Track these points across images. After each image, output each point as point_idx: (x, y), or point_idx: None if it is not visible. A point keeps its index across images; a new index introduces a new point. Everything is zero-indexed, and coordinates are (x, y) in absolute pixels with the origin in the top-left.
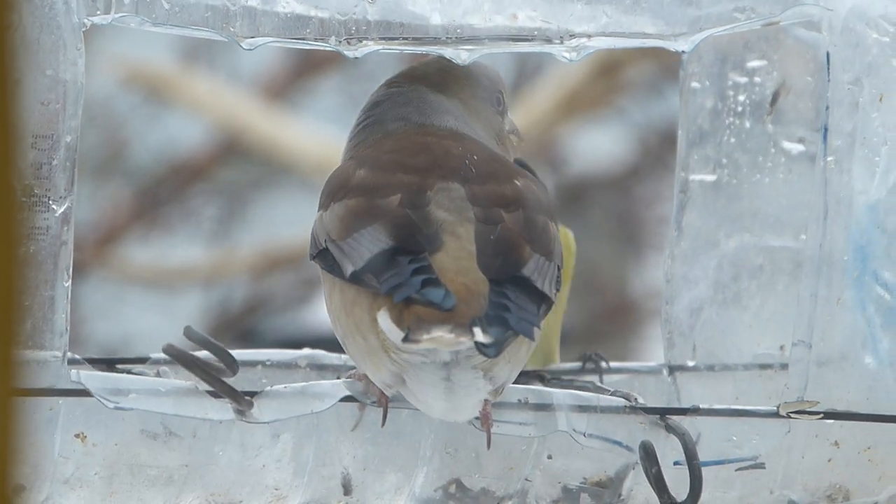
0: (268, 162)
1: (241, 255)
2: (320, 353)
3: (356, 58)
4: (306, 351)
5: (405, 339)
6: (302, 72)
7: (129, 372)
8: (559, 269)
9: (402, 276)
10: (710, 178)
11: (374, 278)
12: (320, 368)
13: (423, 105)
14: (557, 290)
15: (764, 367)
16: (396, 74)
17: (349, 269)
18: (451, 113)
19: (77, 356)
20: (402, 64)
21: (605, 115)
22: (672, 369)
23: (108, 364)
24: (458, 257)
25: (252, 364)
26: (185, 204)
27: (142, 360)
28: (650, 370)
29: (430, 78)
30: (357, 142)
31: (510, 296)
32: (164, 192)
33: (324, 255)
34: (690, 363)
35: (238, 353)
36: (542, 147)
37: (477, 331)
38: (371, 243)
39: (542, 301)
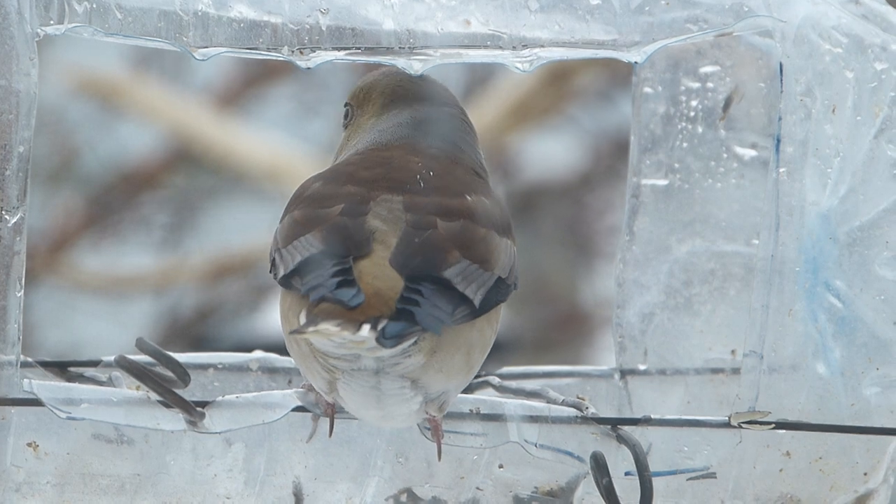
0: (219, 169)
1: (192, 263)
2: (272, 357)
3: (308, 69)
4: (258, 354)
5: (293, 331)
6: (253, 79)
7: (80, 375)
8: (505, 281)
9: (321, 278)
10: (663, 182)
11: (300, 281)
12: (272, 371)
13: (425, 126)
14: (501, 300)
15: (715, 371)
16: (397, 87)
17: (281, 272)
18: (448, 135)
19: (30, 359)
20: (354, 73)
21: (555, 123)
22: (623, 373)
23: (61, 367)
24: (380, 264)
25: (204, 367)
26: (136, 211)
27: (94, 363)
28: (601, 374)
29: (433, 98)
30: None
31: (423, 293)
32: (115, 200)
33: (273, 265)
34: (642, 367)
35: (190, 357)
36: (492, 154)
37: (365, 327)
38: (304, 249)
39: (462, 303)
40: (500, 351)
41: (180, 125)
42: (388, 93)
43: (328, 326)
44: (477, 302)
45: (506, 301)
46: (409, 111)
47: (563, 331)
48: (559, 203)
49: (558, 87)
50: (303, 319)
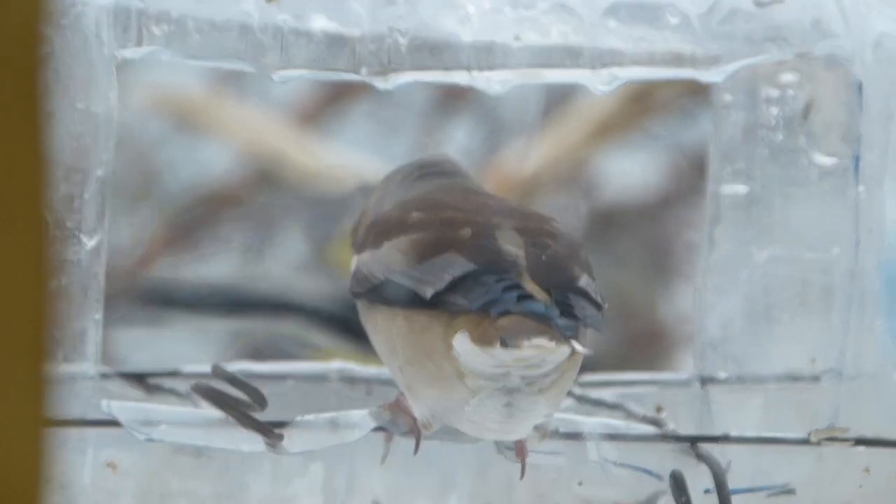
0: (298, 188)
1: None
2: (351, 366)
3: (388, 90)
4: (336, 363)
5: (503, 345)
6: (333, 98)
7: (159, 387)
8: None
9: (493, 294)
10: (743, 190)
11: (461, 297)
12: (351, 381)
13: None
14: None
15: (795, 379)
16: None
17: (429, 291)
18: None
19: (109, 369)
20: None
21: (635, 140)
22: (703, 381)
23: (139, 378)
24: (528, 281)
25: (281, 377)
26: (215, 230)
27: (172, 374)
28: (681, 382)
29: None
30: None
31: (572, 301)
32: (194, 219)
33: (382, 288)
34: (722, 375)
35: (268, 367)
36: (572, 173)
37: (576, 343)
38: (451, 267)
39: (600, 311)
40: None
41: (259, 144)
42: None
43: (543, 342)
44: (605, 310)
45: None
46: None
47: (642, 349)
48: (638, 221)
49: (639, 103)
50: (466, 343)
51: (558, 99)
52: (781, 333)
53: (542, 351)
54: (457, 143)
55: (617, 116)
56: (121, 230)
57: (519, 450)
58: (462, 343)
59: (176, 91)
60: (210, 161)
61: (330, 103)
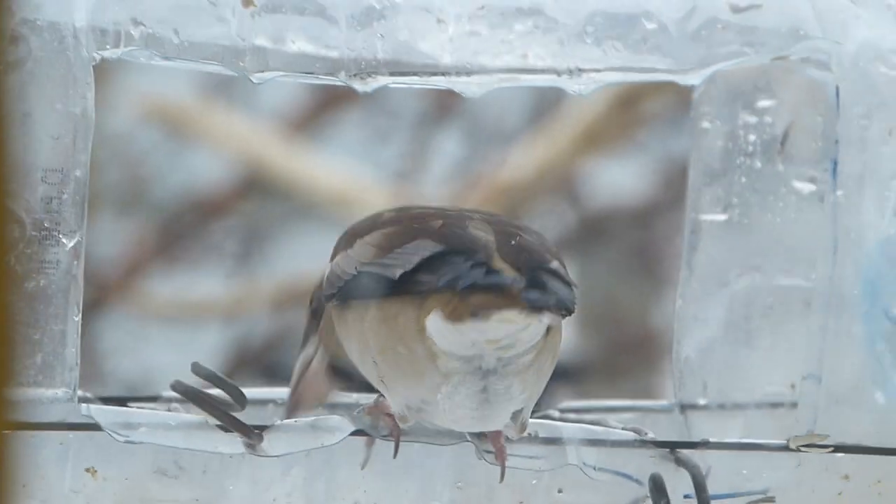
0: (289, 196)
1: (263, 290)
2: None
3: (366, 93)
4: None
5: (474, 316)
6: (323, 106)
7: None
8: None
9: (459, 271)
10: (721, 217)
11: (430, 276)
12: (332, 407)
13: None
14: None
15: (775, 405)
16: None
17: (398, 272)
18: None
19: (89, 394)
20: (424, 100)
21: (624, 149)
22: (683, 407)
23: (120, 402)
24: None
25: (263, 403)
26: (206, 239)
27: (153, 399)
28: (662, 408)
29: None
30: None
31: (544, 278)
32: (185, 228)
33: (352, 284)
34: (701, 401)
35: (249, 392)
36: (561, 181)
37: (547, 315)
38: (420, 250)
39: (572, 290)
40: (570, 376)
41: (249, 152)
42: None
43: (513, 314)
44: (576, 293)
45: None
46: None
47: (632, 355)
48: (628, 229)
49: (627, 113)
50: (439, 321)
51: (546, 107)
52: (761, 360)
53: (512, 323)
54: (445, 151)
55: (604, 125)
56: (109, 238)
57: (498, 452)
58: (434, 322)
59: (166, 100)
60: (199, 169)
61: (319, 111)
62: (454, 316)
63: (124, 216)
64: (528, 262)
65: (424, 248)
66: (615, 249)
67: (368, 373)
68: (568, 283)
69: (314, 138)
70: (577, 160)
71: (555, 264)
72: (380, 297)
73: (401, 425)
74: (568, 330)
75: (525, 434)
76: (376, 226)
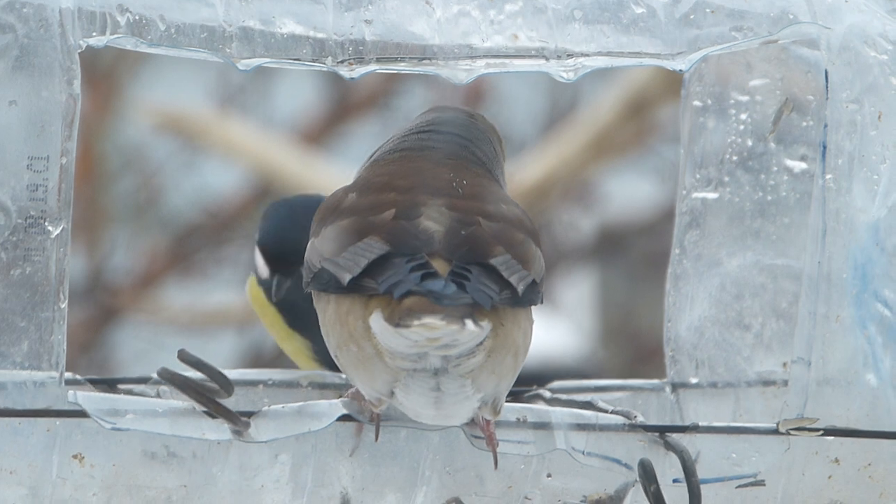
0: None
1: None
2: (321, 372)
3: (353, 79)
4: (307, 371)
5: (396, 325)
6: (337, 116)
7: (129, 392)
8: (538, 286)
9: (400, 275)
10: (713, 196)
11: (372, 281)
12: (322, 387)
13: (438, 138)
14: (539, 302)
15: (767, 383)
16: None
17: (346, 277)
18: (466, 148)
19: (77, 376)
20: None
21: (638, 156)
22: (675, 386)
23: (109, 384)
24: (441, 262)
25: (253, 384)
26: (220, 249)
27: (143, 381)
28: (653, 387)
29: (455, 122)
30: (363, 166)
31: (472, 272)
32: (199, 238)
33: (318, 278)
34: (693, 380)
35: (240, 373)
36: (574, 188)
37: (469, 322)
38: (367, 251)
39: (508, 288)
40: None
41: (264, 163)
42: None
43: (433, 320)
44: (520, 291)
45: (539, 305)
46: (426, 119)
47: (647, 364)
48: (642, 236)
49: (639, 120)
50: (380, 321)
51: (560, 113)
52: (753, 339)
53: (432, 329)
54: None
55: (617, 132)
56: (124, 248)
57: (489, 438)
58: (376, 322)
59: (181, 110)
60: (214, 179)
61: (333, 122)
62: (391, 319)
63: (139, 226)
64: (464, 257)
65: (371, 250)
66: (629, 257)
67: (336, 362)
68: (504, 280)
69: (328, 149)
70: (590, 167)
71: (500, 259)
72: (336, 294)
73: (374, 410)
74: (585, 339)
75: (500, 416)
76: (338, 213)
